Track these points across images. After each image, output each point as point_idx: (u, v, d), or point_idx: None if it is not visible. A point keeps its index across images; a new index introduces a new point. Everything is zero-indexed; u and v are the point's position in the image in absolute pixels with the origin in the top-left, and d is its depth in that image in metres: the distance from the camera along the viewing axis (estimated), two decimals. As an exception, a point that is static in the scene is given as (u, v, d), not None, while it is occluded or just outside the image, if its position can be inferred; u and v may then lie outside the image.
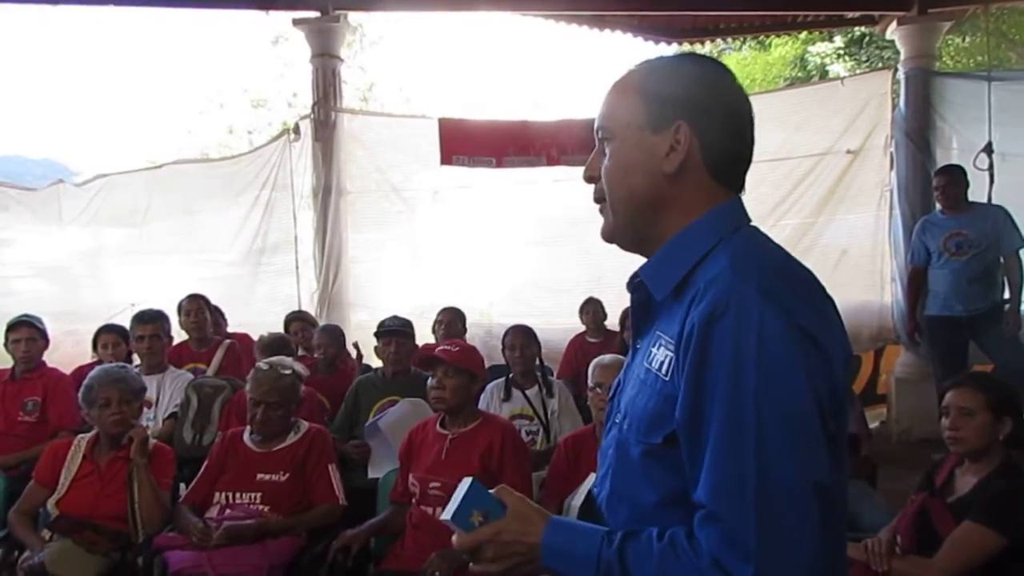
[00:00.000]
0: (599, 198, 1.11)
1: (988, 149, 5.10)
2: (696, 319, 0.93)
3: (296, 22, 6.17)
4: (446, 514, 1.03)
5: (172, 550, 2.62)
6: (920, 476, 2.55)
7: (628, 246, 1.12)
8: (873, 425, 5.45)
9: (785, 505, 0.87)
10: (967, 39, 11.61)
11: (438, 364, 2.79)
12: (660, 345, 1.01)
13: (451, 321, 4.89)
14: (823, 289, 1.00)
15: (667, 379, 0.97)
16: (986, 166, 5.01)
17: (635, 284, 1.09)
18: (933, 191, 4.85)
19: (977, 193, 4.92)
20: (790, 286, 0.96)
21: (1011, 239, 4.60)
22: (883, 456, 4.36)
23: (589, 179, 1.12)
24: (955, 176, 4.73)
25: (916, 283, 4.98)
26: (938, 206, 4.88)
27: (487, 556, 1.00)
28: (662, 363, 0.99)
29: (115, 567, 2.71)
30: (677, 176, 1.04)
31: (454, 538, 1.03)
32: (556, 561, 0.99)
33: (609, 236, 1.11)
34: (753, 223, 1.08)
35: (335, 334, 4.55)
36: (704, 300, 0.94)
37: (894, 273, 5.87)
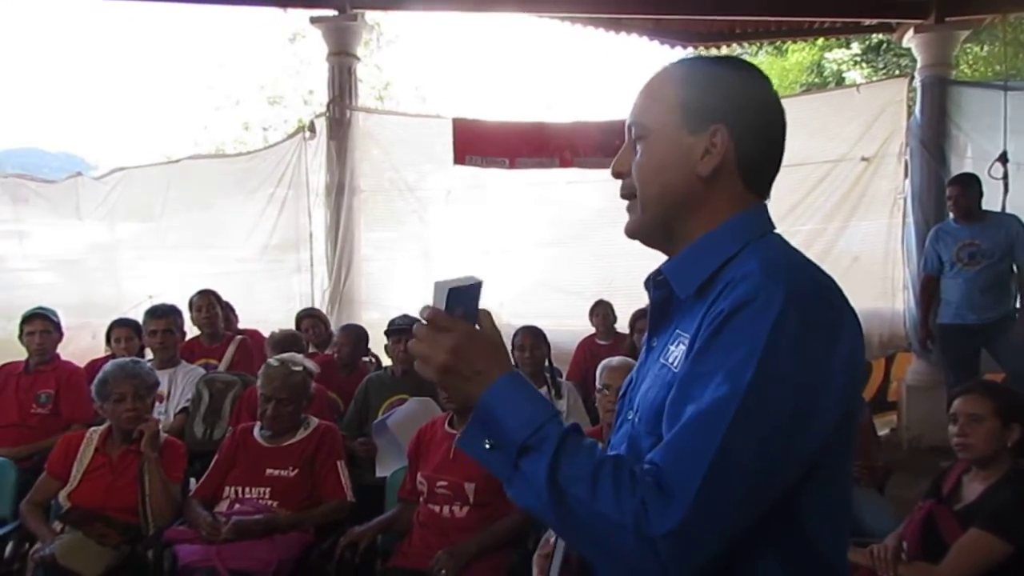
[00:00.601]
0: (627, 194, 1.10)
1: (1003, 158, 5.08)
2: (717, 310, 0.93)
3: (314, 20, 6.22)
4: (445, 280, 0.97)
5: (182, 543, 2.65)
6: (926, 483, 2.55)
7: (653, 243, 1.11)
8: (883, 432, 5.43)
9: (728, 493, 0.86)
10: (985, 48, 11.54)
11: None
12: (679, 343, 1.01)
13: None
14: (847, 302, 0.99)
15: (676, 370, 0.98)
16: (1001, 175, 4.99)
17: (657, 281, 1.08)
18: (948, 200, 4.83)
19: (991, 202, 4.90)
20: (817, 295, 0.95)
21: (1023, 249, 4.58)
22: (893, 463, 4.34)
23: (617, 174, 1.11)
24: (968, 186, 4.71)
25: (929, 291, 4.97)
26: (951, 215, 4.87)
27: (447, 343, 0.96)
28: (677, 358, 0.99)
29: (125, 560, 2.74)
30: (711, 179, 1.04)
31: (428, 307, 0.97)
32: (497, 403, 0.94)
33: (634, 232, 1.11)
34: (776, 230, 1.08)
35: (355, 334, 4.54)
36: (730, 295, 0.94)
37: (906, 281, 5.85)
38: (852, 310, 0.99)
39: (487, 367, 0.96)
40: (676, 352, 1.00)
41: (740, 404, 0.87)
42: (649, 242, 1.12)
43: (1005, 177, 4.93)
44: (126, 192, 6.52)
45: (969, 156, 5.71)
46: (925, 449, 5.28)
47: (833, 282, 1.00)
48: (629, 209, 1.11)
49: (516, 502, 0.94)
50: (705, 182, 1.04)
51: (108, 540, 2.73)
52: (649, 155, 1.06)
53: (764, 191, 1.08)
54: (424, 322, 0.99)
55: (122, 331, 4.31)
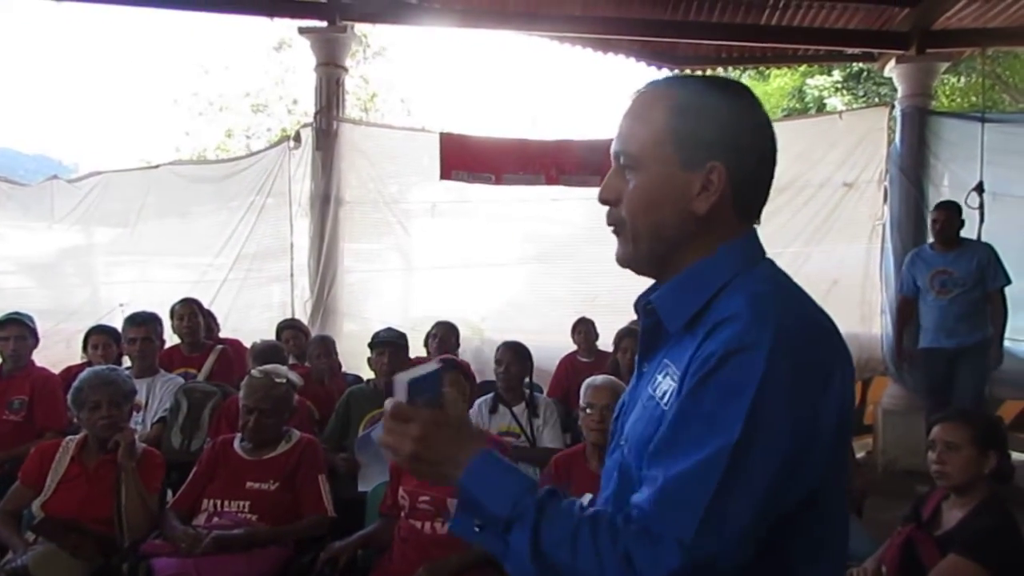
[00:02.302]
0: (615, 223, 1.08)
1: (979, 188, 5.19)
2: (706, 352, 0.93)
3: (303, 30, 6.23)
4: (404, 375, 0.99)
5: (158, 557, 2.60)
6: (906, 507, 2.57)
7: (645, 273, 1.10)
8: (859, 455, 5.48)
9: (722, 543, 0.87)
10: (962, 80, 11.79)
11: None
12: (667, 375, 1.00)
13: (445, 335, 4.90)
14: (838, 336, 0.99)
15: (666, 408, 0.96)
16: (977, 205, 5.09)
17: (647, 310, 1.07)
18: (932, 224, 4.93)
19: (968, 231, 5.00)
20: (807, 336, 0.95)
21: (995, 277, 4.70)
22: (868, 486, 4.38)
23: (604, 202, 1.08)
24: (951, 213, 4.82)
25: (905, 313, 5.08)
26: (929, 240, 4.97)
27: (412, 432, 0.96)
28: (665, 392, 0.98)
29: (100, 572, 2.68)
30: (706, 218, 1.02)
31: (390, 400, 0.98)
32: (475, 486, 0.95)
33: (626, 263, 1.09)
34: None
35: (329, 344, 4.54)
36: (719, 336, 0.93)
37: (884, 305, 5.93)
38: (843, 344, 0.99)
39: (455, 451, 0.97)
40: (664, 385, 0.99)
41: (732, 455, 0.87)
42: (641, 272, 1.10)
43: (981, 207, 5.03)
44: (102, 197, 6.44)
45: (946, 185, 5.83)
46: (900, 473, 5.33)
47: (824, 315, 1.00)
48: (617, 236, 1.09)
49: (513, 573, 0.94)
50: (700, 220, 1.02)
51: (82, 552, 2.67)
52: (641, 191, 1.03)
53: (756, 218, 1.08)
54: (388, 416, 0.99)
55: (100, 338, 4.25)
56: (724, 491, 0.87)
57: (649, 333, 1.08)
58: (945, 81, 11.18)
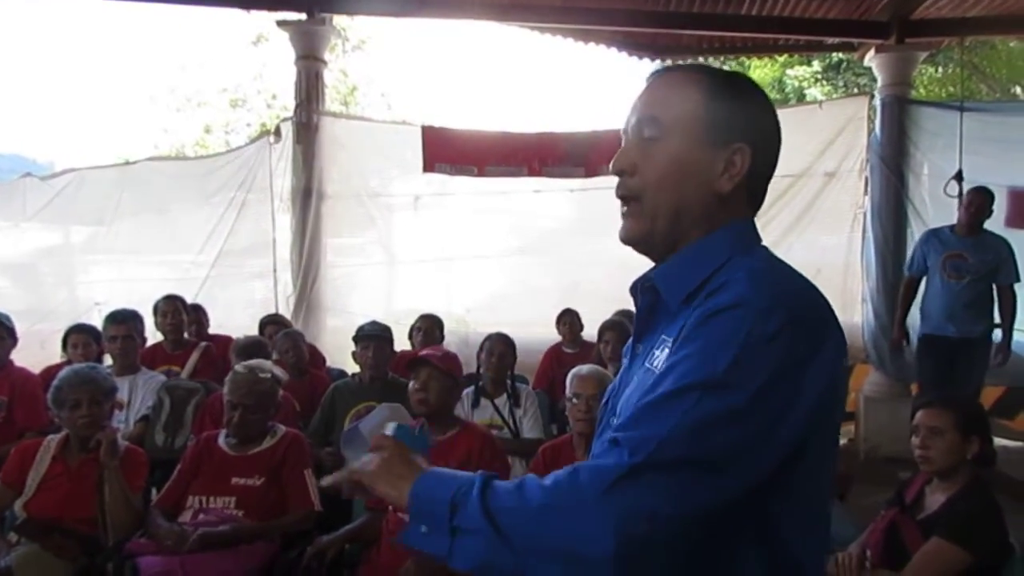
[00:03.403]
0: (629, 194, 1.06)
1: (958, 177, 5.22)
2: (699, 312, 0.94)
3: (281, 23, 6.18)
4: (363, 423, 1.13)
5: (143, 555, 2.58)
6: (889, 492, 2.60)
7: (651, 251, 1.09)
8: (841, 442, 5.54)
9: (681, 463, 0.86)
10: (940, 70, 11.90)
11: (422, 366, 2.79)
12: (664, 347, 1.00)
13: (429, 328, 4.89)
14: (831, 311, 0.99)
15: (657, 371, 0.97)
16: (956, 193, 5.12)
17: (644, 288, 1.07)
18: (965, 206, 4.72)
19: (946, 220, 5.02)
20: (801, 303, 0.96)
21: (1009, 272, 4.64)
22: (855, 472, 4.43)
23: (619, 171, 1.07)
24: (987, 199, 4.67)
25: (909, 292, 4.96)
26: (951, 222, 4.85)
27: (379, 456, 1.06)
28: (661, 360, 0.99)
29: (84, 572, 2.65)
30: (726, 197, 1.04)
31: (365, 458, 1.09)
32: (422, 488, 0.97)
33: (637, 239, 1.08)
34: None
35: (297, 339, 4.46)
36: (714, 299, 0.94)
37: (865, 294, 5.99)
38: (836, 319, 0.99)
39: (408, 471, 1.01)
40: (660, 356, 1.00)
41: (710, 386, 0.87)
42: (647, 250, 1.09)
43: (960, 195, 5.05)
44: (76, 194, 6.34)
45: (926, 174, 5.89)
46: (881, 459, 5.39)
47: (818, 291, 1.01)
48: (628, 213, 1.07)
49: (464, 566, 0.92)
50: (720, 199, 1.04)
51: (66, 552, 2.65)
52: (670, 162, 1.03)
53: (760, 205, 1.10)
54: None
55: (79, 337, 4.19)
56: (691, 420, 0.86)
57: (646, 312, 1.08)
58: (923, 71, 11.29)
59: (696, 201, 1.04)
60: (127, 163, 6.97)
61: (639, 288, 1.09)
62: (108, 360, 4.11)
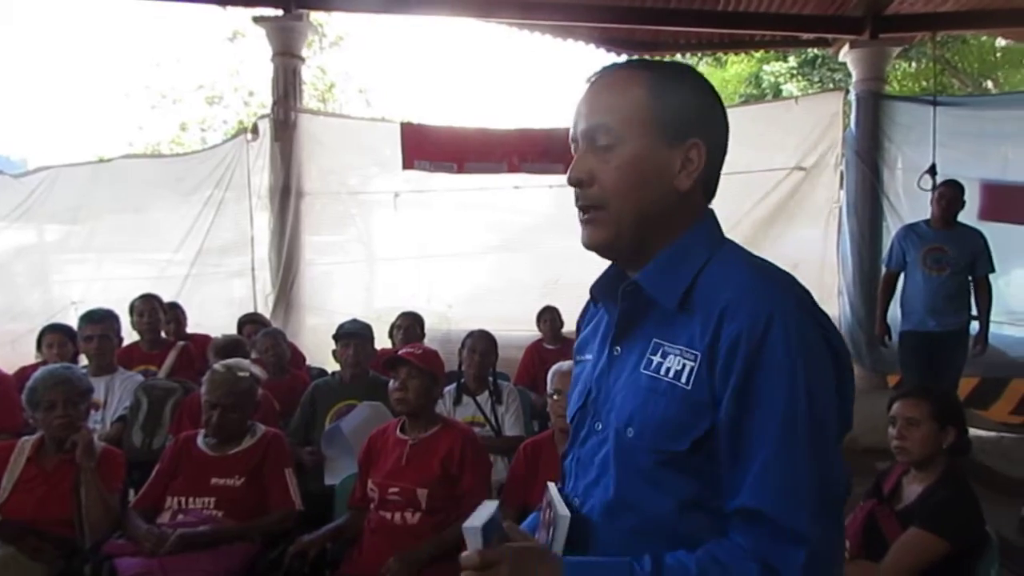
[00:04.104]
0: (592, 204, 1.05)
1: (932, 170, 5.29)
2: (741, 330, 0.94)
3: (257, 20, 6.12)
4: (474, 521, 0.99)
5: (121, 557, 2.55)
6: (867, 483, 2.63)
7: (621, 257, 1.09)
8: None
9: (830, 505, 0.93)
10: (913, 65, 12.04)
11: (402, 365, 2.78)
12: (667, 354, 1.00)
13: (410, 326, 4.87)
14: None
15: (689, 388, 0.97)
16: (929, 187, 5.17)
17: (626, 292, 1.06)
18: (937, 200, 4.77)
19: (920, 213, 5.08)
20: (812, 301, 1.01)
21: (985, 264, 4.68)
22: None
23: (576, 182, 1.05)
24: (958, 192, 4.73)
25: (889, 287, 5.00)
26: (925, 216, 4.90)
27: (504, 572, 0.95)
28: (679, 372, 0.98)
29: (61, 575, 2.62)
30: (687, 194, 1.04)
31: (471, 552, 0.97)
32: None
33: (603, 246, 1.07)
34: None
35: (277, 338, 4.42)
36: (741, 312, 0.95)
37: (841, 288, 6.05)
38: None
39: (544, 571, 0.96)
40: (668, 364, 0.99)
41: (807, 429, 0.92)
42: (613, 255, 1.09)
43: (934, 189, 5.11)
44: (50, 193, 6.25)
45: (900, 167, 5.96)
46: (860, 451, 5.44)
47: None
48: (590, 220, 1.06)
49: None
50: (680, 196, 1.04)
51: (42, 555, 2.61)
52: (628, 167, 1.03)
53: (713, 195, 1.10)
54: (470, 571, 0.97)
55: (55, 336, 4.14)
56: (814, 468, 0.92)
57: (627, 315, 1.07)
58: (897, 67, 11.42)
59: (658, 202, 1.03)
60: (102, 160, 6.85)
61: (621, 293, 1.07)
62: (84, 360, 4.06)
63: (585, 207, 1.07)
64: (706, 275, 1.01)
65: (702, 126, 1.04)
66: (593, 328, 1.18)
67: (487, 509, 1.01)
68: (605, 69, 1.08)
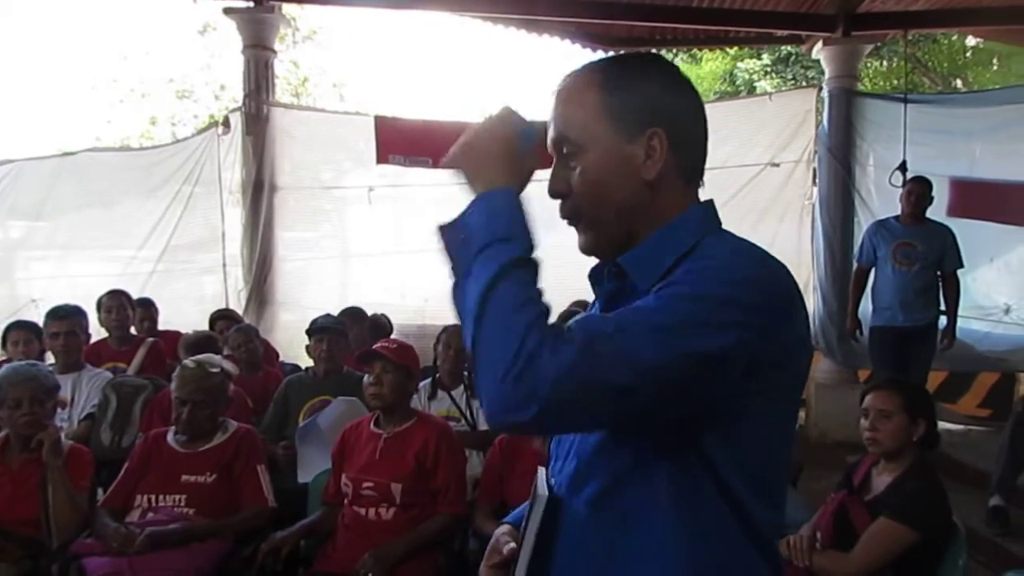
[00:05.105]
0: (571, 215, 1.08)
1: (902, 167, 5.35)
2: (678, 271, 0.97)
3: (228, 11, 6.03)
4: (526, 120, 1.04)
5: (90, 556, 2.50)
6: (839, 476, 2.66)
7: (617, 254, 1.09)
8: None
9: (615, 360, 0.87)
10: (884, 63, 12.21)
11: (376, 360, 2.76)
12: None
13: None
14: (802, 299, 1.03)
15: None
16: (900, 183, 5.23)
17: (611, 273, 1.08)
18: (906, 196, 4.82)
19: (891, 209, 5.14)
20: (781, 271, 1.00)
21: (953, 259, 4.74)
22: (802, 457, 4.52)
23: (556, 195, 1.08)
24: (926, 188, 4.79)
25: (860, 282, 5.04)
26: (895, 213, 4.95)
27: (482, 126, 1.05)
28: None
29: (28, 575, 2.57)
30: (656, 183, 1.04)
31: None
32: (486, 204, 0.99)
33: (593, 250, 1.09)
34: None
35: (250, 334, 4.36)
36: (690, 263, 0.97)
37: (814, 283, 6.11)
38: (803, 302, 1.04)
39: (497, 174, 1.01)
40: None
41: (661, 310, 0.90)
42: (610, 255, 1.09)
43: (904, 185, 5.16)
44: (13, 186, 6.13)
45: (871, 164, 6.03)
46: (832, 444, 5.53)
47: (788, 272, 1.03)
48: (576, 228, 1.09)
49: (453, 300, 0.98)
50: (651, 187, 1.04)
51: (9, 555, 2.56)
52: (592, 175, 1.04)
53: (699, 179, 1.10)
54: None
55: (20, 334, 4.05)
56: (633, 326, 0.89)
57: (612, 297, 1.08)
58: (869, 65, 11.57)
59: (631, 197, 1.04)
60: (66, 154, 6.70)
61: (606, 273, 1.09)
62: (51, 358, 3.98)
63: (566, 217, 1.09)
64: (692, 256, 1.01)
65: (662, 114, 1.03)
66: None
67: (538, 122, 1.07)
68: (564, 78, 1.09)
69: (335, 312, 4.49)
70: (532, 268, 0.95)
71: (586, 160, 1.04)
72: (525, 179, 1.03)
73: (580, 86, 1.06)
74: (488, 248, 0.94)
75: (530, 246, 0.96)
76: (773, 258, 1.01)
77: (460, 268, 0.98)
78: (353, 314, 4.81)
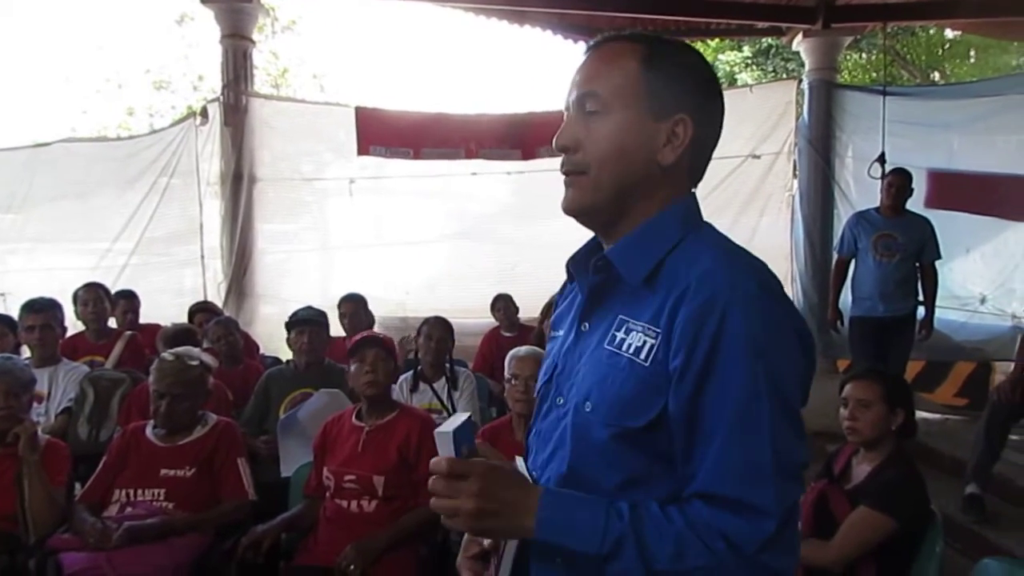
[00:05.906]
0: (574, 170, 1.06)
1: (881, 159, 5.39)
2: (700, 310, 0.94)
3: (205, 1, 5.94)
4: (445, 427, 0.96)
5: (67, 552, 2.47)
6: (819, 466, 2.68)
7: (593, 223, 1.09)
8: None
9: (792, 477, 0.94)
10: (864, 56, 12.28)
11: (370, 348, 2.75)
12: (630, 330, 1.00)
13: (354, 312, 4.81)
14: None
15: (647, 365, 0.97)
16: (879, 175, 5.27)
17: (596, 266, 1.07)
18: (887, 188, 4.83)
19: (871, 201, 5.17)
20: (778, 286, 1.01)
21: (932, 250, 4.76)
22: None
23: (563, 148, 1.06)
24: (906, 179, 4.80)
25: (841, 273, 5.05)
26: (875, 204, 4.96)
27: (470, 489, 0.93)
28: (639, 349, 0.98)
29: (4, 571, 2.53)
30: (667, 169, 1.04)
31: (440, 459, 0.95)
32: (551, 530, 0.94)
33: (580, 210, 1.07)
34: None
35: (230, 327, 4.33)
36: (702, 292, 0.95)
37: (794, 274, 6.15)
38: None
39: (517, 496, 0.96)
40: (631, 340, 1.00)
41: (769, 405, 0.92)
42: (589, 221, 1.10)
43: (883, 177, 5.20)
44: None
45: (850, 156, 6.07)
46: (811, 433, 5.52)
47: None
48: (571, 184, 1.07)
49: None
50: (663, 170, 1.04)
51: (-17, 551, 2.52)
52: (612, 136, 1.03)
53: (698, 182, 1.10)
54: (437, 477, 0.96)
55: (-6, 327, 3.99)
56: (775, 445, 0.92)
57: (597, 290, 1.08)
58: (848, 57, 11.64)
59: (639, 173, 1.04)
60: (39, 145, 6.57)
61: (592, 267, 1.08)
62: (26, 352, 3.92)
63: (568, 172, 1.07)
64: (676, 255, 1.01)
65: (692, 104, 1.03)
66: (568, 304, 1.19)
67: (459, 418, 1.00)
68: (604, 39, 1.08)
69: (316, 304, 4.46)
70: (637, 518, 0.94)
71: (610, 122, 1.03)
72: (521, 478, 1.01)
73: (624, 51, 1.05)
74: (607, 556, 0.93)
75: (606, 507, 0.95)
76: (766, 268, 1.02)
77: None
78: (355, 299, 4.84)
